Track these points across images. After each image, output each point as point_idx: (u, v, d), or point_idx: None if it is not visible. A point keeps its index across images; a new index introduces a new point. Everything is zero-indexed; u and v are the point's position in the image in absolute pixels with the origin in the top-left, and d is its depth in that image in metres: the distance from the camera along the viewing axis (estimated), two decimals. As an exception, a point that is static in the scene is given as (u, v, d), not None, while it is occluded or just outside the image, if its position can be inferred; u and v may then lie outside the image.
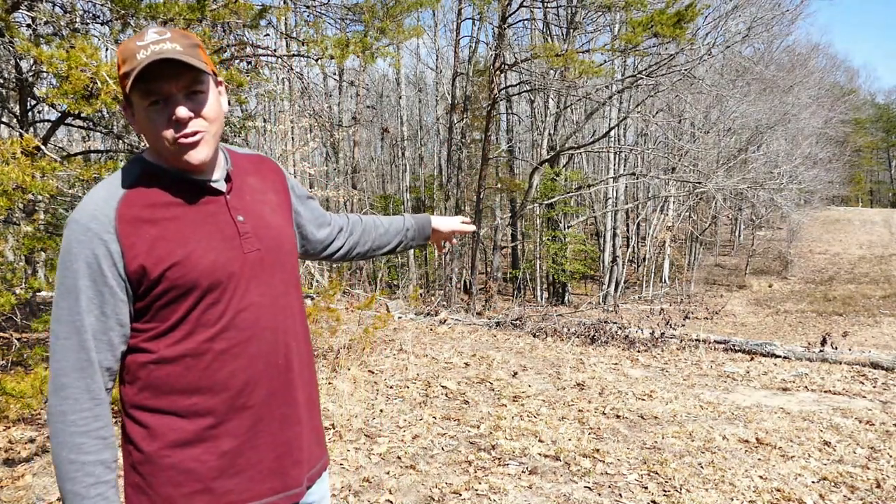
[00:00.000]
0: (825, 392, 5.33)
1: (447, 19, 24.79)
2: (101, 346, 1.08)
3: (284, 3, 7.23)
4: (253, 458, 1.16)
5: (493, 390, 5.09)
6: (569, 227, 22.98)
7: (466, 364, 6.08)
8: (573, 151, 17.77)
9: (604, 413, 4.49)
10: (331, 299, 5.98)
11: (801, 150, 26.65)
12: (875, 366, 6.46)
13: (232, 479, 1.14)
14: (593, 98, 15.09)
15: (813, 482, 3.32)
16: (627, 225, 28.88)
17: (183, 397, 1.11)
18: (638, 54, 13.17)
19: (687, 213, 26.49)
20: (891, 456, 3.70)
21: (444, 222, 1.75)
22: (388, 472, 3.35)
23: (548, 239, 22.17)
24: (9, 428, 3.79)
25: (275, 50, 7.29)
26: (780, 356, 7.11)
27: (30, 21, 4.86)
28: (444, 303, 14.33)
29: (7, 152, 3.03)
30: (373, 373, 5.52)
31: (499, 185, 23.38)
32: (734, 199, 22.32)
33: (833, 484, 3.29)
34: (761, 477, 3.35)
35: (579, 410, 4.53)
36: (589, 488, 3.19)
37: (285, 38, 7.43)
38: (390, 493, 3.10)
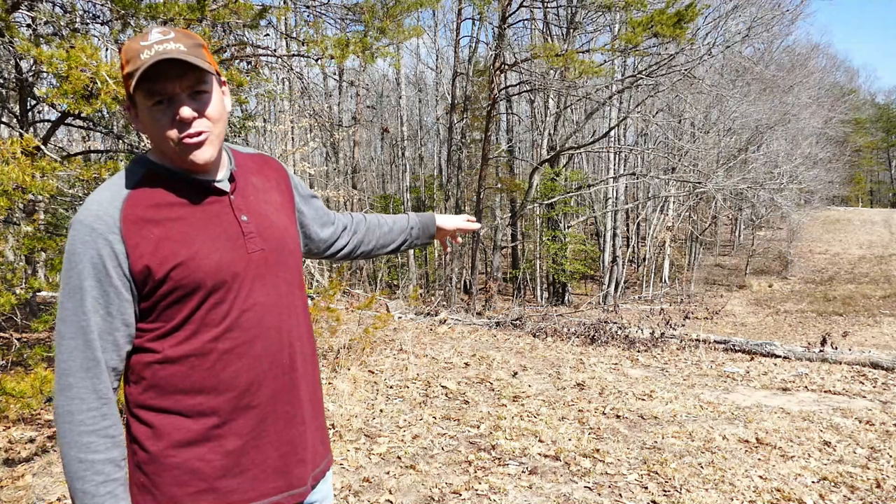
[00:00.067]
0: (825, 392, 5.33)
1: (447, 19, 24.84)
2: (107, 345, 1.09)
3: (284, 3, 7.23)
4: (257, 457, 1.17)
5: (493, 390, 5.09)
6: (569, 227, 22.99)
7: (466, 364, 6.08)
8: (573, 151, 17.77)
9: (604, 413, 4.49)
10: (331, 299, 5.98)
11: (801, 150, 26.65)
12: (875, 366, 6.46)
13: (236, 479, 1.15)
14: (593, 98, 15.10)
15: (813, 482, 3.32)
16: (627, 225, 28.87)
17: (188, 397, 1.11)
18: (638, 54, 13.17)
19: (687, 213, 26.49)
20: (891, 456, 3.70)
21: (449, 220, 1.74)
22: (388, 472, 3.35)
23: (548, 239, 22.17)
24: (9, 428, 3.79)
25: (275, 50, 7.29)
26: (780, 356, 7.11)
27: (30, 21, 4.86)
28: (444, 303, 14.33)
29: (7, 152, 3.03)
30: (373, 373, 5.52)
31: (499, 185, 23.37)
32: (734, 199, 22.34)
33: (833, 484, 3.29)
34: (761, 477, 3.35)
35: (579, 410, 4.53)
36: (589, 488, 3.19)
37: (285, 38, 7.43)
38: (390, 493, 3.10)
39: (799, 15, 24.56)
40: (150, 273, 1.08)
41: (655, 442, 3.88)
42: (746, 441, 3.93)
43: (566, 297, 22.41)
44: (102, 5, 4.51)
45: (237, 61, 6.12)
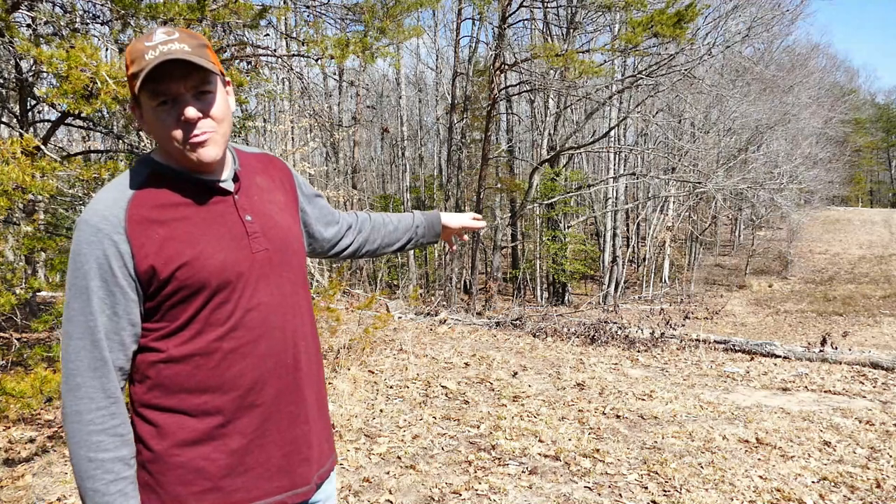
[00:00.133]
0: (825, 392, 5.33)
1: (447, 19, 24.84)
2: (114, 345, 1.09)
3: (284, 3, 7.23)
4: (261, 456, 1.17)
5: (493, 390, 5.09)
6: (569, 227, 22.99)
7: (466, 364, 6.08)
8: (573, 151, 17.77)
9: (604, 413, 4.49)
10: (331, 299, 5.97)
11: (801, 150, 26.65)
12: (875, 366, 6.46)
13: (240, 478, 1.15)
14: (593, 98, 15.10)
15: (813, 482, 3.31)
16: (627, 225, 28.87)
17: (192, 396, 1.12)
18: (638, 54, 13.17)
19: (687, 213, 26.49)
20: (891, 456, 3.70)
21: (455, 219, 1.74)
22: (388, 472, 3.35)
23: (548, 239, 22.17)
24: (9, 428, 3.79)
25: (275, 50, 7.29)
26: (780, 356, 7.11)
27: (30, 21, 4.86)
28: (444, 303, 14.33)
29: (7, 152, 3.03)
30: (373, 373, 5.52)
31: (499, 185, 23.37)
32: (734, 199, 22.34)
33: (833, 484, 3.29)
34: (761, 477, 3.35)
35: (579, 410, 4.53)
36: (589, 488, 3.19)
37: (285, 38, 7.43)
38: (390, 493, 3.10)
39: (799, 15, 24.59)
40: (155, 273, 1.09)
41: (655, 442, 3.88)
42: (746, 441, 3.93)
43: (566, 297, 22.41)
44: (102, 5, 4.51)
45: (237, 61, 6.12)
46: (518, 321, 9.16)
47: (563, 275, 22.14)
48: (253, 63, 6.55)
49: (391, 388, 5.07)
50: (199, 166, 1.14)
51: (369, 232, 1.61)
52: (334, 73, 19.21)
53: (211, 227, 1.15)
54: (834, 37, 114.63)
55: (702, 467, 3.46)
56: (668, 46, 12.20)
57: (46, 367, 3.17)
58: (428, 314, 10.11)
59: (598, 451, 3.67)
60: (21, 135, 3.75)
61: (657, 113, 19.97)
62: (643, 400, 4.88)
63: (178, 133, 1.10)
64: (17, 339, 4.30)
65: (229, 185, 1.20)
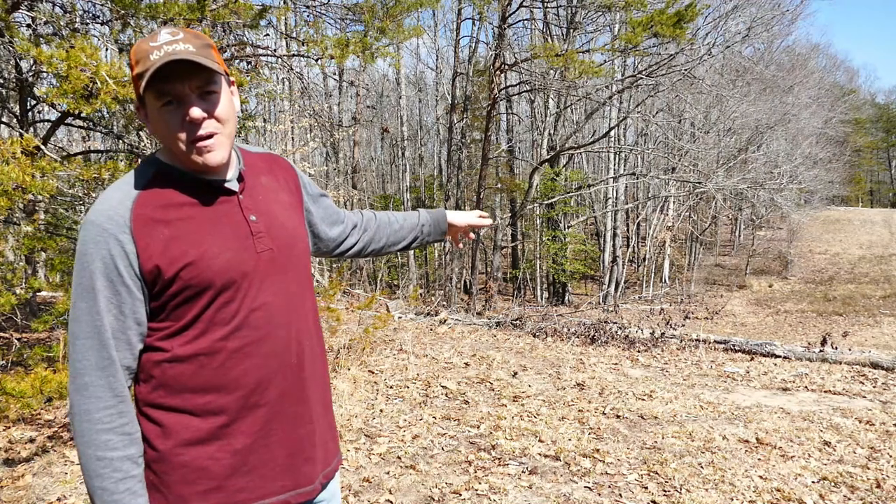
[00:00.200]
0: (825, 392, 5.33)
1: (447, 19, 24.86)
2: (121, 344, 1.10)
3: (284, 3, 7.23)
4: (265, 455, 1.17)
5: (493, 390, 5.08)
6: (569, 227, 22.98)
7: (466, 364, 6.08)
8: (573, 151, 17.77)
9: (604, 413, 4.49)
10: (331, 299, 5.97)
11: (801, 150, 26.65)
12: (875, 366, 6.46)
13: (244, 477, 1.15)
14: (593, 98, 15.09)
15: (813, 482, 3.31)
16: (627, 225, 28.87)
17: (196, 396, 1.12)
18: (638, 54, 13.17)
19: (687, 213, 26.49)
20: (891, 456, 3.70)
21: (460, 217, 1.73)
22: (388, 472, 3.35)
23: (548, 239, 22.17)
24: (9, 428, 3.79)
25: (275, 50, 7.29)
26: (780, 356, 7.11)
27: (30, 21, 4.86)
28: (444, 303, 14.33)
29: (7, 152, 3.03)
30: (373, 373, 5.52)
31: (499, 185, 23.38)
32: (734, 199, 22.34)
33: (833, 484, 3.29)
34: (761, 477, 3.35)
35: (579, 410, 4.53)
36: (589, 488, 3.19)
37: (285, 38, 7.43)
38: (390, 493, 3.10)
39: (799, 15, 24.61)
40: (160, 273, 1.09)
41: (655, 442, 3.88)
42: (746, 441, 3.93)
43: (566, 297, 22.41)
44: (102, 5, 4.52)
45: (237, 61, 6.12)
46: (518, 321, 9.16)
47: (563, 275, 22.14)
48: (253, 63, 6.55)
49: (391, 388, 5.07)
50: (205, 168, 1.14)
51: (374, 231, 1.60)
52: (334, 73, 19.21)
53: (216, 227, 1.15)
54: (834, 37, 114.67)
55: (702, 467, 3.46)
56: (668, 46, 12.20)
57: (46, 367, 3.17)
58: (428, 314, 10.11)
59: (598, 451, 3.67)
60: (21, 135, 3.75)
61: (657, 113, 19.98)
62: (643, 400, 4.88)
63: (183, 133, 1.10)
64: (17, 339, 4.30)
65: (234, 185, 1.20)
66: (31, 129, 5.47)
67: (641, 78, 13.78)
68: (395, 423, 4.17)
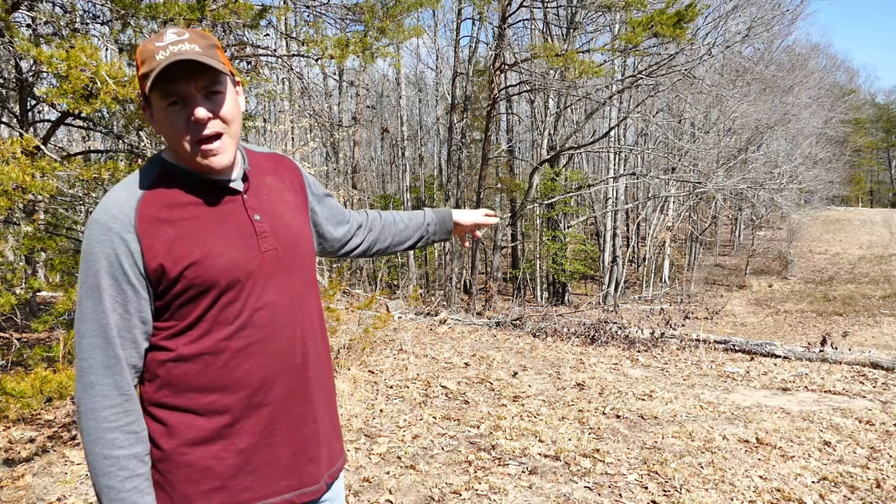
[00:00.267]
0: (825, 392, 5.33)
1: (447, 19, 24.86)
2: (126, 343, 1.10)
3: (284, 3, 7.23)
4: (269, 455, 1.17)
5: (493, 390, 5.08)
6: (569, 227, 22.98)
7: (466, 364, 6.08)
8: (573, 151, 17.77)
9: (604, 413, 4.48)
10: (331, 299, 5.97)
11: (801, 150, 26.65)
12: (875, 366, 6.46)
13: (248, 477, 1.15)
14: (593, 98, 15.09)
15: (813, 482, 3.31)
16: (627, 225, 28.87)
17: (201, 395, 1.12)
18: (638, 54, 13.17)
19: (687, 213, 26.49)
20: (891, 456, 3.70)
21: (466, 215, 1.72)
22: (388, 472, 3.35)
23: (548, 239, 22.17)
24: (9, 428, 3.79)
25: (275, 50, 7.29)
26: (780, 356, 7.11)
27: (30, 21, 4.86)
28: (444, 303, 14.33)
29: (7, 152, 3.03)
30: (373, 373, 5.52)
31: (499, 185, 23.38)
32: (734, 199, 22.34)
33: (833, 484, 3.29)
34: (761, 477, 3.35)
35: (579, 410, 4.53)
36: (589, 488, 3.19)
37: (285, 38, 7.43)
38: (390, 493, 3.10)
39: (799, 15, 24.60)
40: (164, 272, 1.09)
41: (655, 442, 3.88)
42: (746, 441, 3.93)
43: (566, 297, 22.41)
44: (102, 5, 4.52)
45: (237, 61, 6.12)
46: (518, 321, 9.16)
47: (563, 275, 22.14)
48: (253, 63, 6.55)
49: (391, 388, 5.07)
50: (209, 169, 1.14)
51: (380, 231, 1.60)
52: (334, 73, 19.21)
53: (220, 227, 1.15)
54: (834, 37, 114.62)
55: (702, 467, 3.46)
56: (668, 46, 12.20)
57: (46, 368, 3.17)
58: (428, 314, 10.11)
59: (598, 451, 3.67)
60: (21, 135, 3.75)
61: (657, 113, 19.98)
62: (643, 400, 4.88)
63: (188, 133, 1.10)
64: (17, 339, 4.30)
65: (239, 185, 1.20)
66: (31, 129, 5.47)
67: (641, 78, 13.78)
68: (395, 423, 4.17)
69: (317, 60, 5.84)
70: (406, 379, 5.37)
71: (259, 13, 5.05)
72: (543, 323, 8.93)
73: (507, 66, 14.55)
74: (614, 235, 23.53)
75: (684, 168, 18.97)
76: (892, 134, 56.82)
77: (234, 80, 1.18)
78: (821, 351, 7.01)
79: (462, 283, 19.17)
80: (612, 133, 19.54)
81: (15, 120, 5.52)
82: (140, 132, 4.37)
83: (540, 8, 16.66)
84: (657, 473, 3.37)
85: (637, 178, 22.62)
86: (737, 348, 7.51)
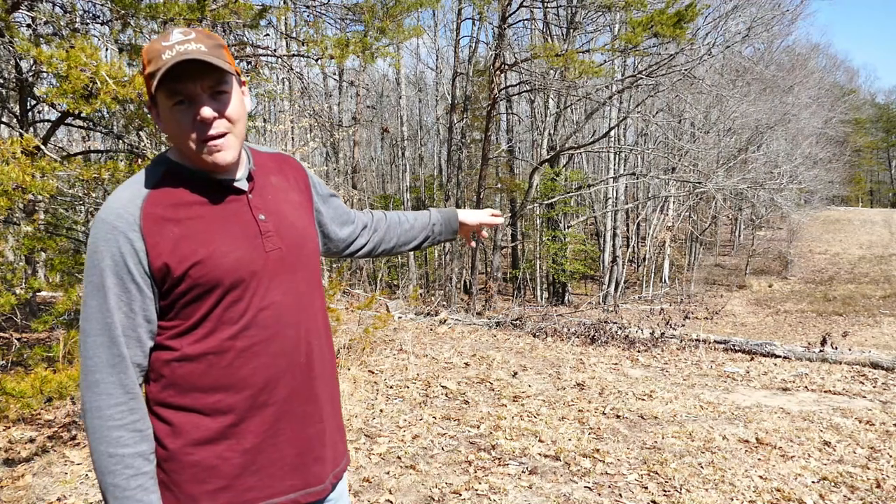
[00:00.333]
0: (825, 392, 5.33)
1: (447, 19, 24.86)
2: (131, 342, 1.10)
3: (284, 3, 7.23)
4: (274, 455, 1.17)
5: (493, 390, 5.08)
6: (569, 227, 22.99)
7: (466, 364, 6.08)
8: (573, 151, 17.77)
9: (604, 413, 4.49)
10: (331, 299, 5.98)
11: (801, 150, 26.65)
12: (875, 366, 6.46)
13: (253, 477, 1.16)
14: (593, 98, 15.09)
15: (813, 482, 3.31)
16: (627, 225, 28.87)
17: (205, 395, 1.12)
18: (638, 54, 13.17)
19: (687, 213, 26.49)
20: (891, 456, 3.70)
21: (472, 215, 1.71)
22: (388, 472, 3.35)
23: (548, 239, 22.18)
24: (9, 428, 3.79)
25: (275, 50, 7.29)
26: (780, 356, 7.11)
27: (30, 21, 4.86)
28: (444, 303, 14.33)
29: (7, 152, 3.03)
30: (373, 373, 5.52)
31: (499, 185, 23.39)
32: (734, 199, 22.34)
33: (833, 484, 3.29)
34: (761, 477, 3.35)
35: (579, 410, 4.53)
36: (589, 488, 3.19)
37: (285, 38, 7.44)
38: (390, 493, 3.10)
39: (799, 15, 24.60)
40: (169, 271, 1.10)
41: (655, 442, 3.88)
42: (746, 441, 3.93)
43: (566, 297, 22.41)
44: (102, 5, 4.52)
45: (237, 61, 6.12)
46: (518, 321, 9.16)
47: (563, 275, 22.14)
48: (253, 63, 6.55)
49: (391, 388, 5.07)
50: (214, 168, 1.15)
51: (385, 231, 1.60)
52: (334, 73, 19.21)
53: (225, 226, 1.15)
54: (834, 37, 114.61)
55: (702, 467, 3.46)
56: (668, 46, 12.20)
57: (46, 367, 3.18)
58: (428, 314, 10.11)
59: (598, 451, 3.67)
60: (21, 135, 3.75)
61: (657, 113, 19.98)
62: (643, 400, 4.88)
63: (194, 133, 1.11)
64: (17, 339, 4.30)
65: (243, 185, 1.20)
66: (31, 129, 5.47)
67: (641, 78, 13.78)
68: (395, 423, 4.17)
69: (317, 60, 5.85)
70: (406, 379, 5.37)
71: (259, 13, 5.06)
72: (543, 323, 8.93)
73: (507, 66, 14.55)
74: (614, 235, 23.53)
75: (684, 168, 18.97)
76: (892, 134, 56.82)
77: (239, 80, 1.19)
78: (821, 351, 7.01)
79: (462, 283, 19.17)
80: (612, 133, 19.54)
81: (15, 120, 5.52)
82: (140, 132, 4.38)
83: (540, 8, 16.66)
84: (657, 473, 3.37)
85: (637, 178, 22.62)
86: (737, 348, 7.51)
